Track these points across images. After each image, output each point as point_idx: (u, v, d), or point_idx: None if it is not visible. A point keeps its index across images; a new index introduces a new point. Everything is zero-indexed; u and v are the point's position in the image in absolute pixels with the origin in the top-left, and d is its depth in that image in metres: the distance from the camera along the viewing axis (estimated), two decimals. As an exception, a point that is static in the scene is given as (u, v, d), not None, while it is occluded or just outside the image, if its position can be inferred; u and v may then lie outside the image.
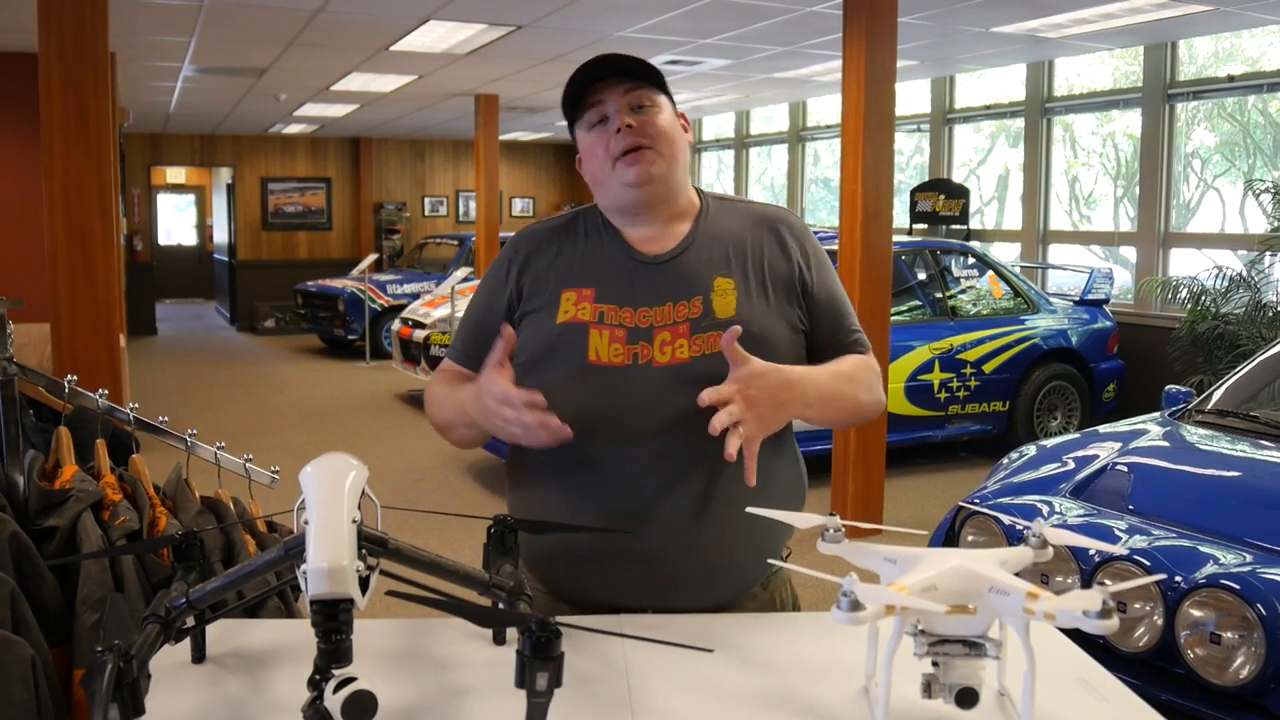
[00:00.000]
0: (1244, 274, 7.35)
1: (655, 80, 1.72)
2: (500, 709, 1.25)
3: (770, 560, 1.52)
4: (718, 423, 1.48)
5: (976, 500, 3.41)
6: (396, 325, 9.81)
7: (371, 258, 13.51)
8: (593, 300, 1.67)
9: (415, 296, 11.53)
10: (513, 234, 1.83)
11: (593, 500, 1.63)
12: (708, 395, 1.51)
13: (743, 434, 1.50)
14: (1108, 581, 2.87)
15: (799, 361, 1.73)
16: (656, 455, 1.62)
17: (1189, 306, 7.47)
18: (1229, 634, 2.60)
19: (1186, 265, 8.25)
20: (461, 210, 17.75)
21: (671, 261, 1.71)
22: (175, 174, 19.74)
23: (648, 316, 1.66)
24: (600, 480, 1.63)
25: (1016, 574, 1.26)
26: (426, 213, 17.62)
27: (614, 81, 1.69)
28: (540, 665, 1.12)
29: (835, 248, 5.75)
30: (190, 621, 1.35)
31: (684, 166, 1.75)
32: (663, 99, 1.73)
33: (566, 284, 1.70)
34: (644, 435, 1.61)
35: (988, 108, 10.29)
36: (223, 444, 2.13)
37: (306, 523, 1.17)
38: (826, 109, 12.42)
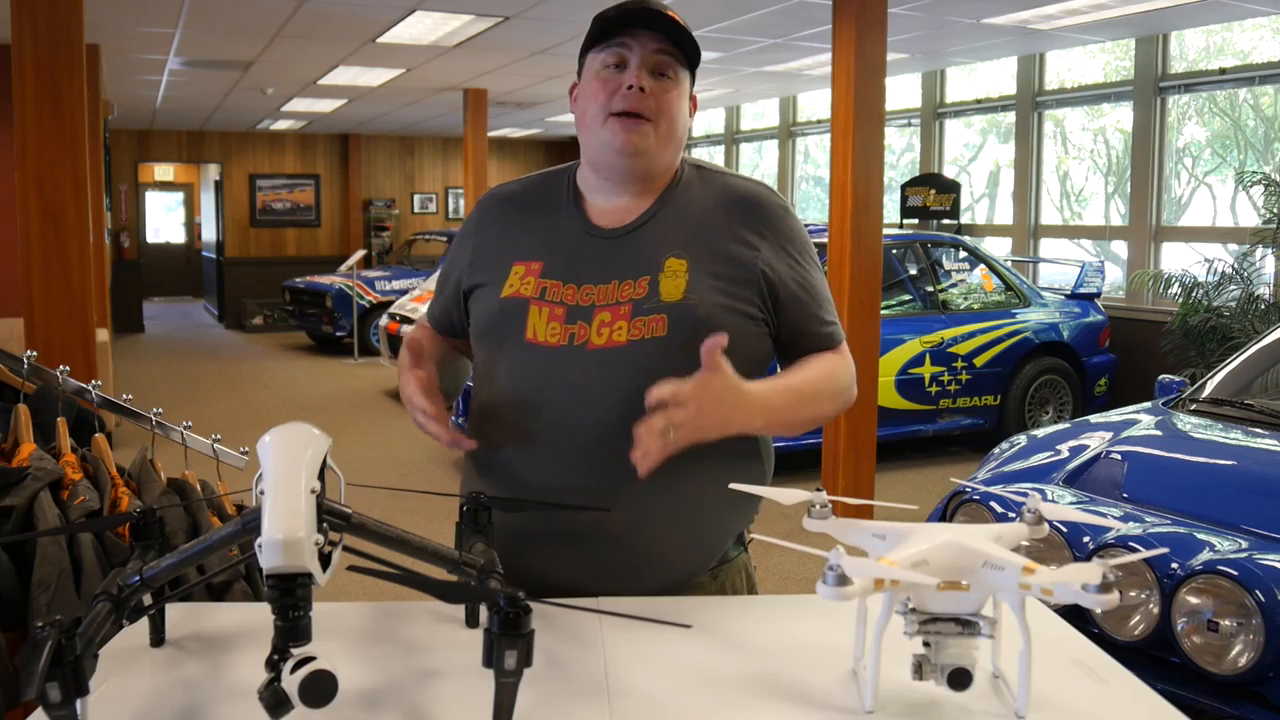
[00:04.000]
0: (1235, 267, 7.32)
1: (688, 54, 1.63)
2: (469, 690, 1.19)
3: (756, 535, 1.46)
4: (652, 427, 1.40)
5: (968, 489, 3.36)
6: (384, 321, 9.74)
7: (360, 254, 13.42)
8: (539, 275, 1.61)
9: (404, 293, 11.44)
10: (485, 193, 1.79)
11: (531, 482, 1.57)
12: (662, 393, 1.40)
13: (666, 443, 1.41)
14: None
15: (757, 352, 1.64)
16: (593, 439, 1.54)
17: (1181, 300, 7.44)
18: (1227, 621, 2.55)
19: (1178, 260, 8.22)
20: (451, 207, 17.68)
21: (625, 237, 1.62)
22: (164, 171, 19.65)
23: (590, 295, 1.58)
24: (537, 463, 1.57)
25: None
26: (415, 209, 17.55)
27: (651, 34, 1.59)
28: (509, 643, 1.06)
29: (825, 240, 5.70)
30: (147, 600, 1.29)
31: (678, 146, 1.66)
32: (684, 75, 1.64)
33: (518, 255, 1.65)
34: (579, 419, 1.55)
35: (979, 101, 10.25)
36: (189, 423, 2.06)
37: (262, 493, 1.11)
38: (817, 104, 12.37)
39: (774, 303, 1.64)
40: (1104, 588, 1.08)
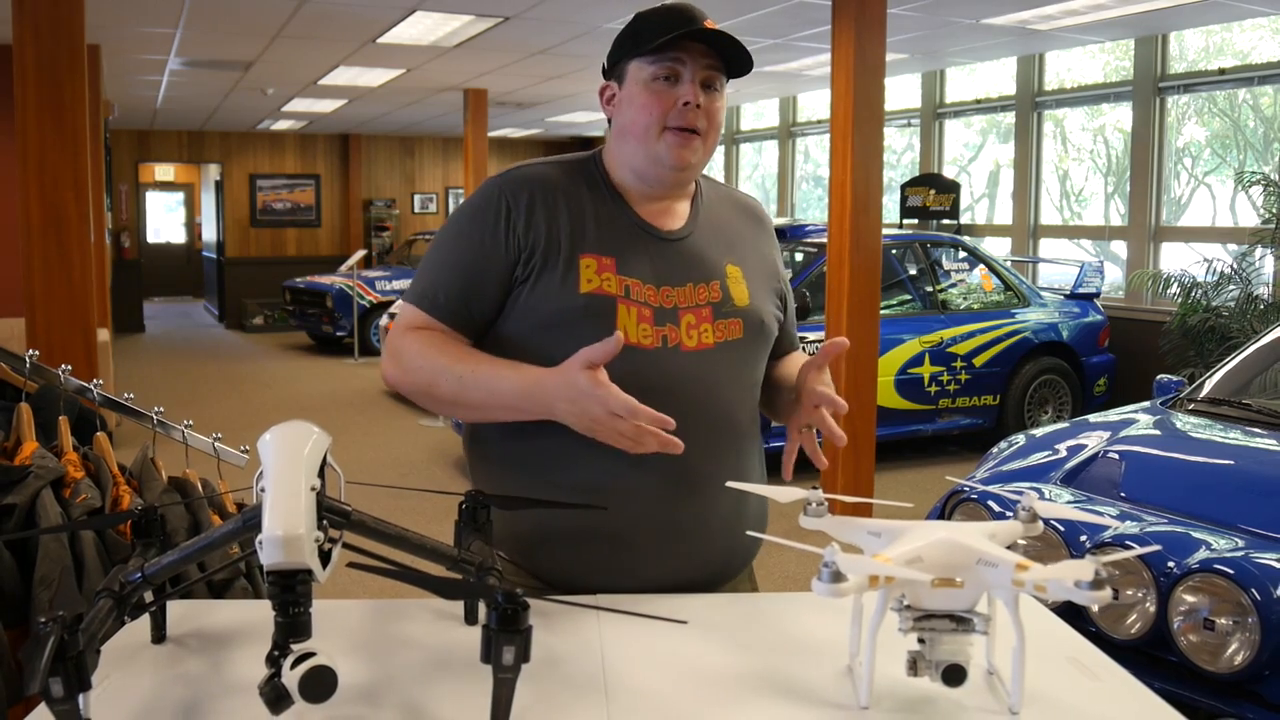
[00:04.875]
0: (1234, 267, 7.33)
1: (730, 63, 1.63)
2: (468, 686, 1.20)
3: (751, 533, 1.48)
4: (831, 427, 1.56)
5: (966, 488, 3.37)
6: (385, 321, 9.76)
7: (360, 254, 13.43)
8: (615, 271, 1.59)
9: (403, 293, 11.44)
10: (498, 175, 1.67)
11: (620, 483, 1.56)
12: (822, 395, 1.57)
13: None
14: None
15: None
16: (687, 439, 1.52)
17: (1180, 300, 7.45)
18: (1223, 620, 2.56)
19: (1177, 260, 8.23)
20: (451, 207, 17.69)
21: (685, 240, 1.66)
22: (164, 171, 19.66)
23: (671, 296, 1.60)
24: (629, 464, 1.54)
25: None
26: (416, 209, 17.56)
27: (702, 46, 1.59)
28: (506, 639, 1.07)
29: (824, 240, 5.71)
30: (148, 597, 1.30)
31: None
32: (725, 84, 1.65)
33: (583, 248, 1.59)
34: (674, 420, 1.53)
35: (978, 102, 10.26)
36: (190, 422, 2.07)
37: (263, 491, 1.12)
38: (817, 104, 12.38)
39: (782, 305, 1.78)
40: (1096, 584, 1.09)
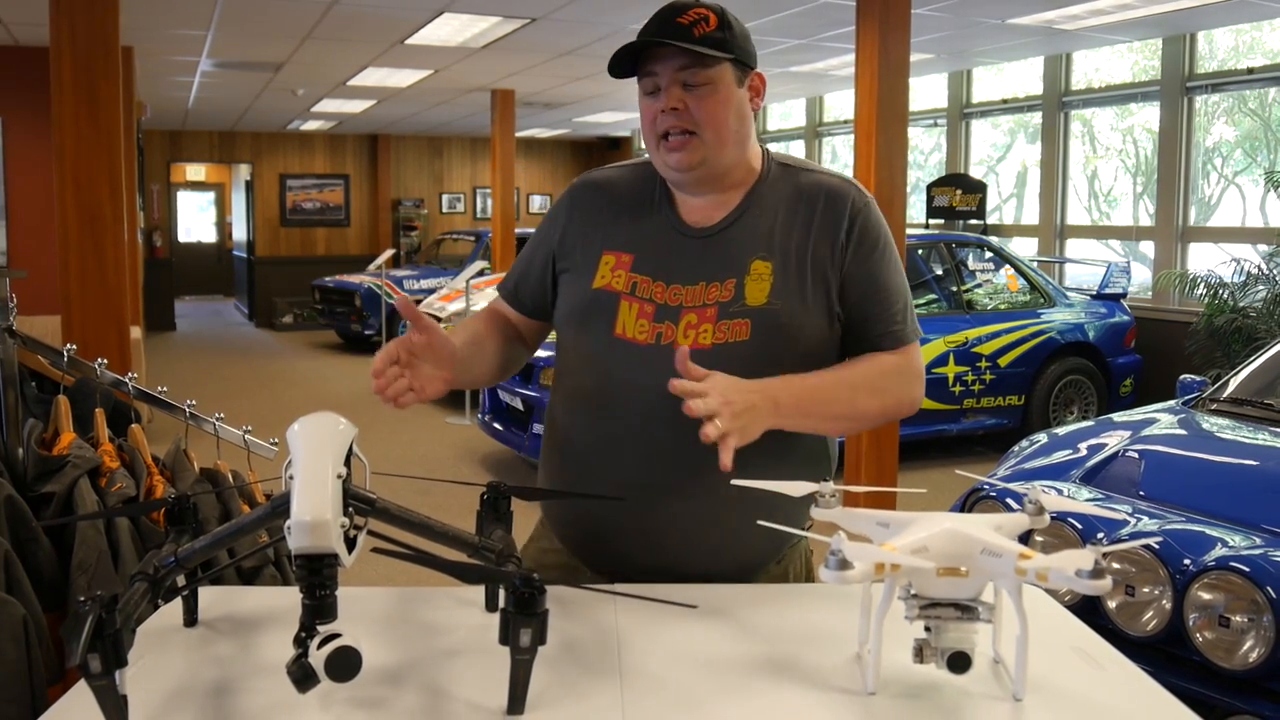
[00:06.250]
0: (1261, 267, 7.28)
1: (719, 45, 1.59)
2: (487, 669, 1.24)
3: (762, 522, 1.51)
4: (710, 433, 1.41)
5: (986, 486, 3.39)
6: (412, 320, 9.81)
7: (389, 253, 13.50)
8: (629, 268, 1.65)
9: (432, 292, 11.53)
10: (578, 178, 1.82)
11: (611, 474, 1.63)
12: (698, 409, 1.43)
13: (731, 444, 1.43)
14: (1115, 565, 2.84)
15: (832, 353, 1.65)
16: (673, 437, 1.58)
17: (1207, 300, 7.40)
18: (1238, 617, 2.57)
19: (1206, 261, 8.18)
20: (479, 207, 17.78)
21: (713, 237, 1.65)
22: (195, 171, 19.84)
23: (678, 295, 1.62)
24: (617, 456, 1.63)
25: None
26: (444, 209, 17.66)
27: (673, 49, 1.59)
28: (523, 621, 1.12)
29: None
30: (180, 581, 1.35)
31: (740, 142, 1.65)
32: (722, 70, 1.60)
33: (609, 244, 1.68)
34: (661, 417, 1.58)
35: (1005, 102, 10.23)
36: (221, 415, 2.13)
37: (291, 478, 1.16)
38: (844, 105, 12.37)
39: (844, 299, 1.65)
40: (1096, 573, 1.12)
